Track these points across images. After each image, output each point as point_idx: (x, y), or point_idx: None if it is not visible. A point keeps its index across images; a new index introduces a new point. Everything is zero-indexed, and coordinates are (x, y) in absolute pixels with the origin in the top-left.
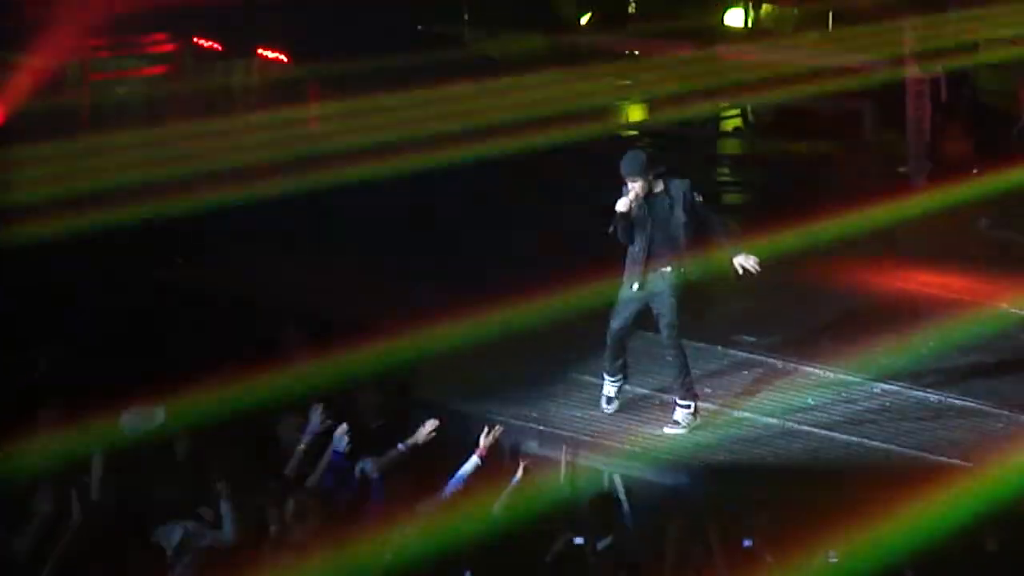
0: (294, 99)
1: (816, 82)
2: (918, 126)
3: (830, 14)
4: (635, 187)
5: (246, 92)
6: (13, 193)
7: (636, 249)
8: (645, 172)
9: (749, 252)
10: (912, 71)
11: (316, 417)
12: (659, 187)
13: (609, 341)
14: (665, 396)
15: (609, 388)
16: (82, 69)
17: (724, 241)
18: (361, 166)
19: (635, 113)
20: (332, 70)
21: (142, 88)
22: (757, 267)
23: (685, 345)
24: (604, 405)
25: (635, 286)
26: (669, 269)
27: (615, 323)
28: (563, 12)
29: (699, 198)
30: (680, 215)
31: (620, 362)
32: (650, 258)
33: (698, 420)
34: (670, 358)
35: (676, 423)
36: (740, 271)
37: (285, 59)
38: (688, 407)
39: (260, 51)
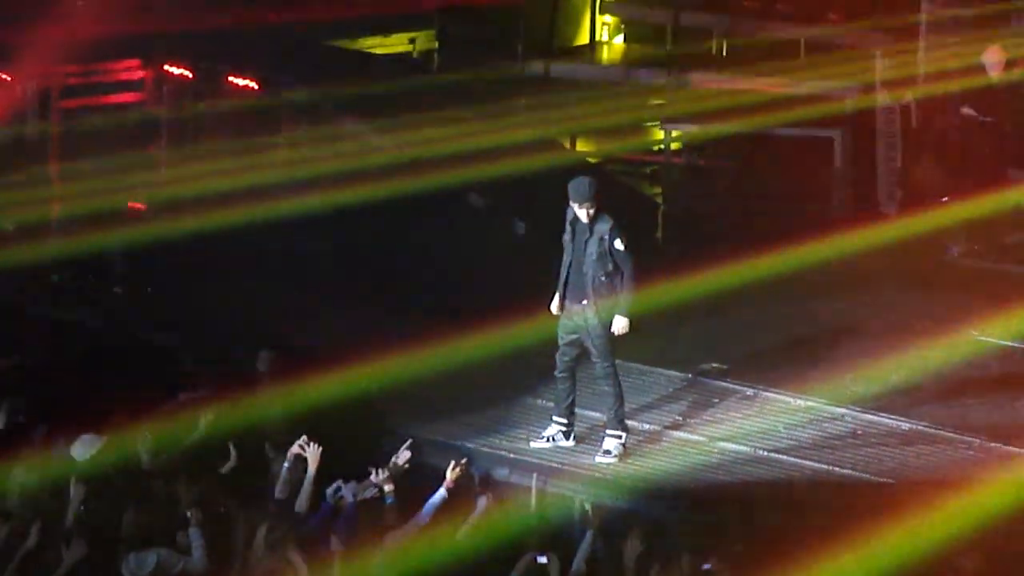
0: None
1: (788, 110)
2: (888, 154)
3: (802, 42)
4: (581, 211)
5: (216, 120)
6: None
7: (561, 271)
8: (591, 197)
9: (629, 314)
10: (883, 99)
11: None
12: (587, 217)
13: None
14: (642, 426)
15: (550, 427)
16: (50, 96)
17: (620, 294)
18: (328, 194)
19: (597, 141)
20: (302, 98)
21: (111, 116)
22: (622, 331)
23: (655, 373)
24: (546, 444)
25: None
26: (586, 303)
27: (556, 360)
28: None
29: (619, 245)
30: (592, 251)
31: (565, 404)
32: (567, 285)
33: (626, 450)
34: (606, 388)
35: (608, 452)
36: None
37: (256, 86)
38: (618, 437)
39: (231, 79)
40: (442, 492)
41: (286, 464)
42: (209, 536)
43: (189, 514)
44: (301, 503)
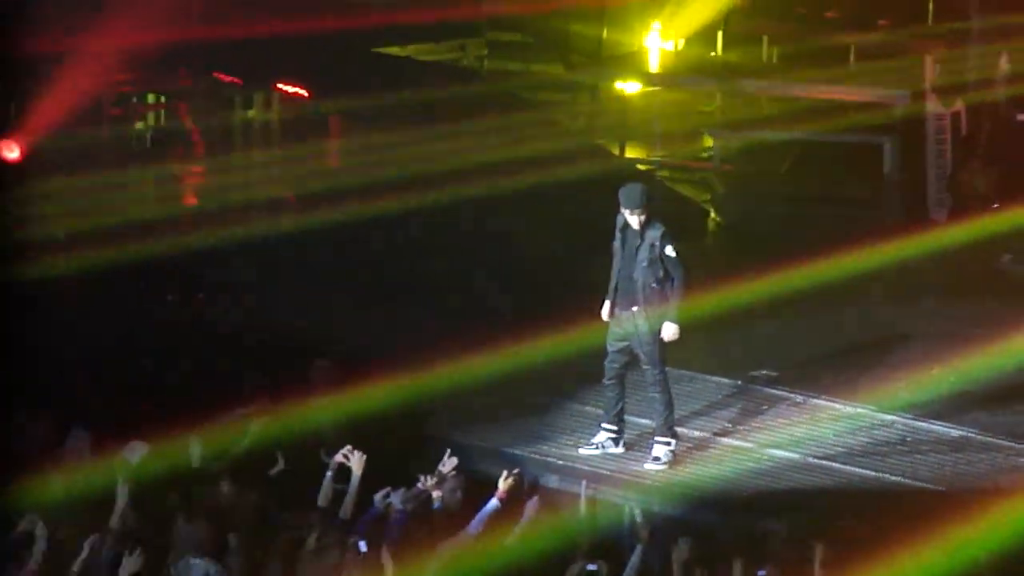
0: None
1: (838, 116)
2: (938, 160)
3: (852, 48)
4: (632, 218)
5: (266, 127)
6: (32, 228)
7: (611, 277)
8: (643, 204)
9: (679, 320)
10: (933, 105)
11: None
12: (638, 224)
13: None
14: (691, 432)
15: (599, 434)
16: (102, 104)
17: (670, 301)
18: (378, 201)
19: (647, 148)
20: (354, 105)
21: (162, 123)
22: (672, 338)
23: (704, 380)
24: (596, 451)
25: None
26: (636, 309)
27: (605, 366)
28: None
29: (670, 251)
30: (643, 258)
31: (614, 411)
32: (617, 291)
33: (675, 457)
34: (655, 394)
35: (657, 459)
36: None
37: (306, 94)
38: (668, 443)
39: (280, 86)
40: (494, 502)
41: (329, 473)
42: (251, 551)
43: (231, 538)
44: (346, 510)
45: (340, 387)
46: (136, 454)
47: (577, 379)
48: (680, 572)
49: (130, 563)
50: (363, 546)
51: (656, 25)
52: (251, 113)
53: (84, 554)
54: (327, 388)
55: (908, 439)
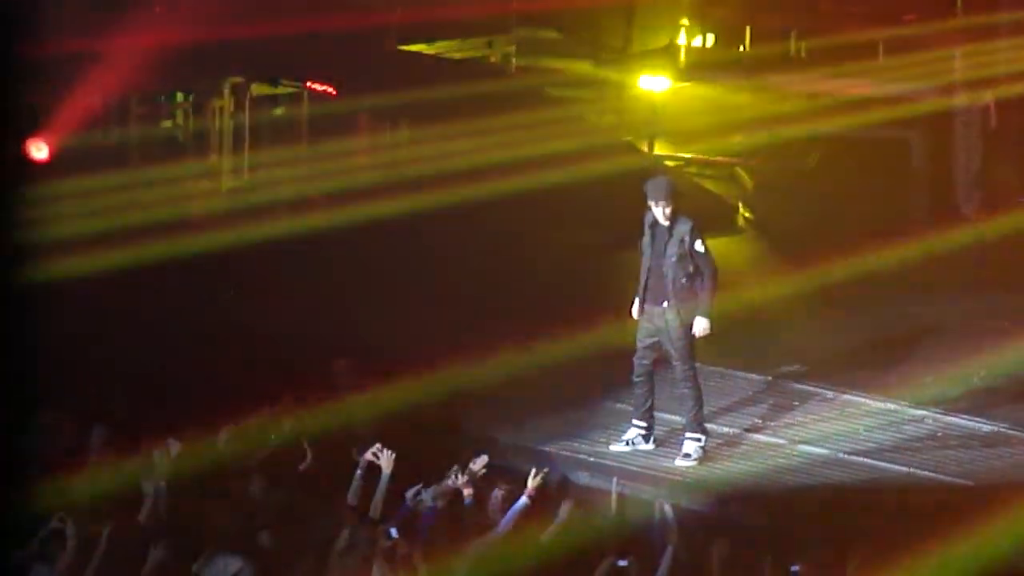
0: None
1: (866, 111)
2: (967, 155)
3: (880, 43)
4: (658, 211)
5: (294, 125)
6: (59, 227)
7: (640, 274)
8: (670, 197)
9: (709, 316)
10: (961, 100)
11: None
12: (666, 219)
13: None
14: (721, 429)
15: (630, 431)
16: (129, 103)
17: (701, 296)
18: (405, 199)
19: (677, 143)
20: (381, 103)
21: (189, 122)
22: (703, 333)
23: (734, 376)
24: (626, 447)
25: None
26: (667, 305)
27: (634, 363)
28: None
29: (700, 247)
30: (672, 253)
31: (644, 407)
32: (647, 287)
33: (706, 453)
34: (686, 390)
35: (687, 455)
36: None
37: (333, 92)
38: (698, 440)
39: (309, 84)
40: (524, 500)
41: (359, 471)
42: (282, 549)
43: (261, 535)
44: (376, 508)
45: (364, 386)
46: (169, 451)
47: (607, 376)
48: (719, 569)
49: (157, 556)
50: (394, 532)
51: (684, 21)
52: (279, 111)
53: (102, 547)
54: (351, 387)
55: (939, 434)
